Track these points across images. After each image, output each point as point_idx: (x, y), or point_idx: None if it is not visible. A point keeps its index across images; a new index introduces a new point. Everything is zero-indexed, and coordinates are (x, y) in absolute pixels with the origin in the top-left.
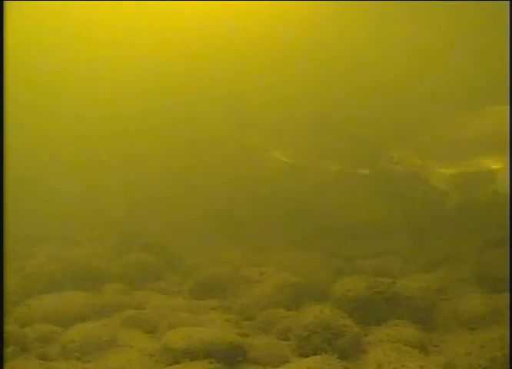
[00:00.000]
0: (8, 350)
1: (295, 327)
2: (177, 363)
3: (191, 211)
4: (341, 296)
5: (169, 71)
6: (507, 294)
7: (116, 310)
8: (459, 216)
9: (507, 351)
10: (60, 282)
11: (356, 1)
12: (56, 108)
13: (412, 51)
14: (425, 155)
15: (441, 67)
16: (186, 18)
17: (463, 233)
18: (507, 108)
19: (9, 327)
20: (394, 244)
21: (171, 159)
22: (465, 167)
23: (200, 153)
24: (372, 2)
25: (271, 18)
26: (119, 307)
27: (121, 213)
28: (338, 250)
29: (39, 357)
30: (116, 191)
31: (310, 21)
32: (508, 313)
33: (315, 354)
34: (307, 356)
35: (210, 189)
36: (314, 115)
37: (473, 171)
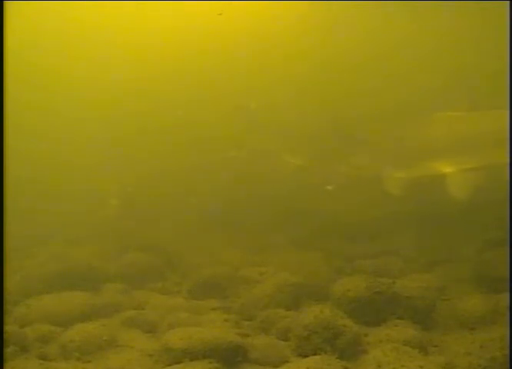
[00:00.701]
0: (8, 350)
1: (295, 327)
2: (177, 363)
3: (193, 211)
4: (341, 296)
5: (173, 71)
6: (507, 294)
7: (116, 311)
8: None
9: (507, 351)
10: (60, 282)
11: (357, 1)
12: (56, 108)
13: (411, 50)
14: (383, 159)
15: (439, 67)
16: (189, 18)
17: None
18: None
19: (9, 327)
20: (395, 244)
21: (172, 159)
22: (419, 171)
23: (202, 153)
24: (371, 2)
25: (274, 17)
26: (119, 308)
27: (121, 213)
28: (338, 250)
29: (39, 357)
30: (117, 190)
31: (314, 19)
32: (508, 313)
33: (315, 354)
34: (306, 356)
35: (213, 189)
36: (321, 116)
37: (425, 174)
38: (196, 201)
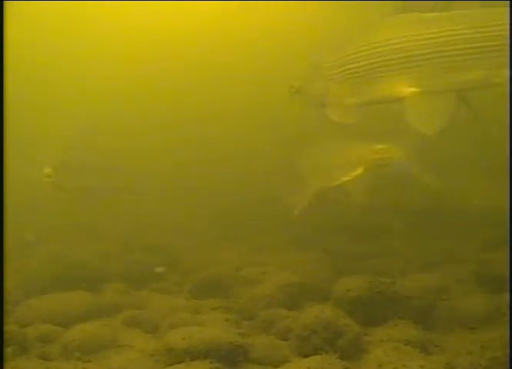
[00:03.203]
0: (9, 350)
1: (296, 326)
2: (177, 363)
3: (193, 211)
4: (342, 296)
5: (177, 71)
6: (507, 294)
7: (117, 310)
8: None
9: (507, 351)
10: (60, 282)
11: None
12: (57, 107)
13: None
14: None
15: None
16: (192, 17)
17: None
18: None
19: (9, 327)
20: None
21: (172, 159)
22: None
23: (202, 152)
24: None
25: (276, 17)
26: (120, 307)
27: (121, 212)
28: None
29: (40, 356)
30: (117, 189)
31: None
32: (508, 313)
33: (315, 354)
34: (307, 356)
35: (214, 188)
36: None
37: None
38: (196, 200)
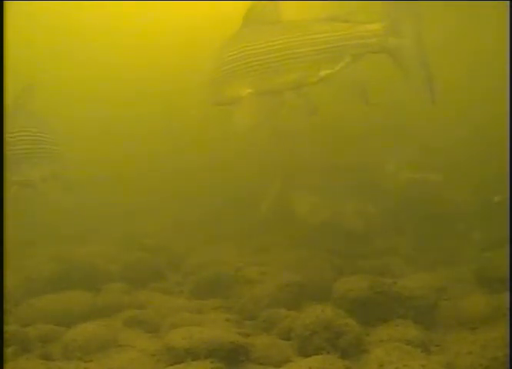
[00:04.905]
0: (9, 350)
1: (297, 326)
2: (178, 363)
3: (192, 211)
4: (343, 296)
5: (178, 72)
6: (507, 294)
7: (117, 310)
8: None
9: (508, 351)
10: (61, 282)
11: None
12: (56, 109)
13: None
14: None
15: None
16: (192, 19)
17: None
18: None
19: (10, 327)
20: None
21: (171, 159)
22: None
23: (202, 152)
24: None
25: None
26: (120, 307)
27: (122, 212)
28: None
29: (41, 356)
30: (116, 189)
31: None
32: (508, 313)
33: (317, 354)
34: (308, 356)
35: (212, 188)
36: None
37: None
38: (195, 200)
